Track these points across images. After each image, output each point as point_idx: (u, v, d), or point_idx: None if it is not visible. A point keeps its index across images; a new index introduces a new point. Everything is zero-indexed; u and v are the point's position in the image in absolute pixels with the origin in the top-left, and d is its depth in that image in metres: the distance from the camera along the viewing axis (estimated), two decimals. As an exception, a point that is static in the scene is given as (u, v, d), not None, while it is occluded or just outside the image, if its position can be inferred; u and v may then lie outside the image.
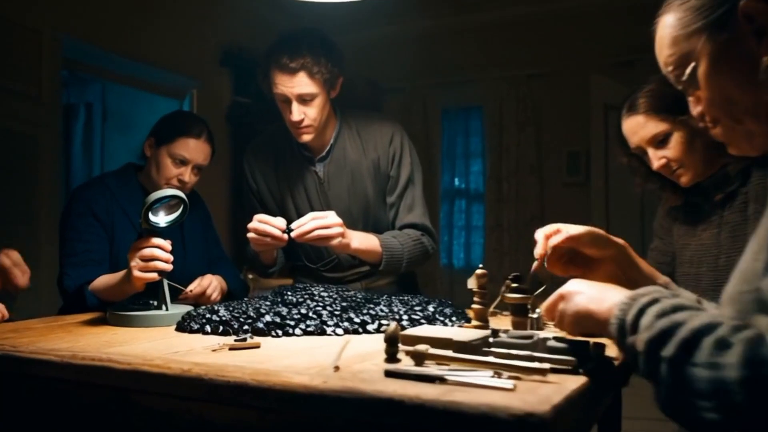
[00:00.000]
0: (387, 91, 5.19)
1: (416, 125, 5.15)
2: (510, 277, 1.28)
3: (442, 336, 1.10)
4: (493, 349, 1.00)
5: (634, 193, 4.14)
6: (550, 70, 4.86)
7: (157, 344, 1.33)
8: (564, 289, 1.08)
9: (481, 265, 1.49)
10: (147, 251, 1.66)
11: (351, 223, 2.13)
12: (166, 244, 1.69)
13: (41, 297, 2.78)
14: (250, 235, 1.88)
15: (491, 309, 1.95)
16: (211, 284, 2.01)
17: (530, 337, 1.02)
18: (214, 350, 1.21)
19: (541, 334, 1.37)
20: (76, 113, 4.89)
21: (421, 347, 0.98)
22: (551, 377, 0.90)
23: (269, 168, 2.22)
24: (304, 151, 2.18)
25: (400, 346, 1.07)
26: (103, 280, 1.87)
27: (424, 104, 5.26)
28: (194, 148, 2.09)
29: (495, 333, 1.08)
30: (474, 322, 1.49)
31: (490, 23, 5.00)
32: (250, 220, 1.91)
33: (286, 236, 1.85)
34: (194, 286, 1.98)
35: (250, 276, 3.22)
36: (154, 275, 1.66)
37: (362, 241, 2.01)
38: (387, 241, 2.07)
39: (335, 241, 1.88)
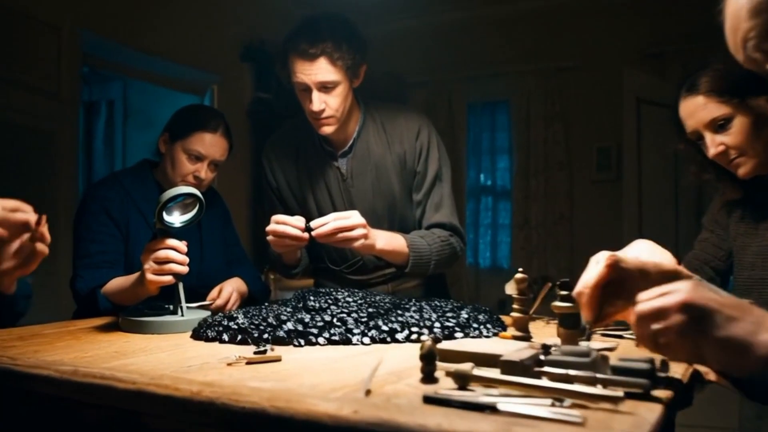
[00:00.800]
0: (411, 85, 5.07)
1: (441, 120, 5.02)
2: (558, 283, 1.15)
3: (485, 352, 0.97)
4: (547, 369, 0.87)
5: (668, 191, 4.00)
6: (579, 63, 4.70)
7: (170, 355, 1.22)
8: (677, 299, 0.83)
9: (520, 269, 1.36)
10: (161, 253, 1.55)
11: (375, 221, 2.01)
12: (182, 245, 1.58)
13: (60, 298, 2.70)
14: (269, 237, 1.77)
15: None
16: (231, 298, 1.91)
17: (587, 354, 0.89)
18: (230, 364, 1.10)
19: (592, 345, 1.25)
20: (97, 111, 4.85)
21: (465, 367, 0.86)
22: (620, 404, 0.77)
23: (289, 164, 2.10)
24: (326, 146, 2.06)
25: (438, 364, 0.95)
26: (116, 283, 1.78)
27: (449, 99, 5.12)
28: (210, 143, 1.98)
29: (546, 348, 0.95)
30: (512, 331, 1.37)
31: (517, 14, 4.86)
32: (270, 218, 1.80)
33: (306, 235, 1.74)
34: (214, 295, 1.88)
35: (272, 276, 3.12)
36: (169, 278, 1.56)
37: (388, 241, 1.89)
38: (414, 242, 1.95)
39: (358, 243, 1.76)
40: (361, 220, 1.75)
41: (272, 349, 1.19)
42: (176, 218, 1.60)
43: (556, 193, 4.77)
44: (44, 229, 1.24)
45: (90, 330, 1.56)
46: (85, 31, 3.49)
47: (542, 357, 0.92)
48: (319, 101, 1.87)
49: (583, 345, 1.01)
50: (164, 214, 1.56)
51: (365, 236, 1.76)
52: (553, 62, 4.77)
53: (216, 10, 4.35)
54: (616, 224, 4.38)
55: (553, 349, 0.96)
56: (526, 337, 1.34)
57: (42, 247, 1.23)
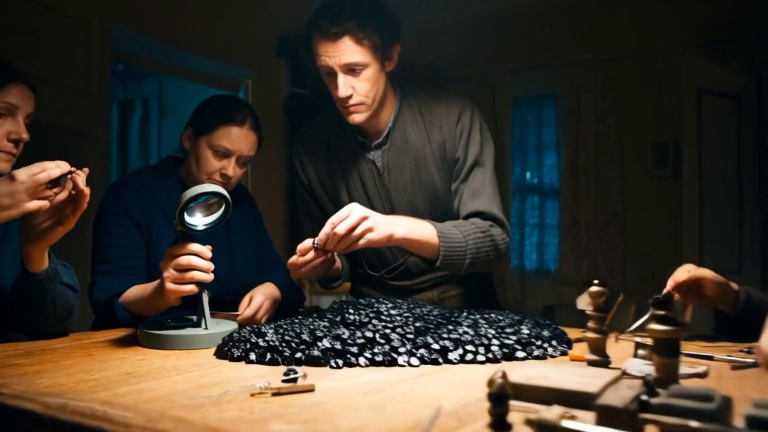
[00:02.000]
0: (453, 79, 4.85)
1: (485, 116, 4.72)
2: (652, 299, 0.94)
3: (572, 389, 0.77)
4: (658, 418, 0.66)
5: (731, 188, 3.71)
6: (632, 52, 4.40)
7: (186, 379, 1.05)
8: None
9: (596, 280, 1.15)
10: (183, 259, 1.38)
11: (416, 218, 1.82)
12: (205, 250, 1.41)
13: (84, 304, 2.56)
14: (291, 271, 1.61)
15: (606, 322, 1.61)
16: (262, 307, 1.72)
17: (709, 397, 0.68)
18: (253, 395, 0.92)
19: (681, 370, 1.04)
20: (132, 108, 4.77)
21: (551, 414, 0.66)
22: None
23: (320, 159, 1.91)
24: (359, 137, 1.86)
25: (512, 404, 0.75)
26: (135, 292, 1.62)
27: (493, 93, 4.88)
28: (238, 138, 1.80)
29: (650, 387, 0.75)
30: (587, 354, 1.16)
31: (563, 2, 4.59)
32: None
33: (321, 254, 1.56)
34: (245, 304, 1.70)
35: (307, 282, 2.95)
36: (191, 287, 1.39)
37: (411, 229, 1.63)
38: (445, 231, 1.69)
39: (371, 236, 1.54)
40: (360, 214, 1.53)
41: (304, 375, 1.00)
42: (199, 220, 1.43)
43: (607, 191, 4.50)
44: (77, 180, 1.30)
45: (104, 344, 1.40)
46: (117, 27, 3.37)
47: (646, 397, 0.72)
48: (345, 86, 1.67)
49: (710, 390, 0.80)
50: (185, 215, 1.39)
51: (369, 229, 1.53)
52: (603, 52, 4.48)
53: (251, 4, 4.21)
54: (673, 224, 4.10)
55: (661, 389, 0.75)
56: (604, 362, 1.14)
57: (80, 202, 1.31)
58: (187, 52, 3.85)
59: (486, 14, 4.74)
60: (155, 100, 4.73)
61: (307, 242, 1.56)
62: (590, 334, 1.14)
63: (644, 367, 1.08)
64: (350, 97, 1.69)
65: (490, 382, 0.76)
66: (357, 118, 1.74)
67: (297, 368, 1.01)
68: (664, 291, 1.45)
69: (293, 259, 1.57)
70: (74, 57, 3.17)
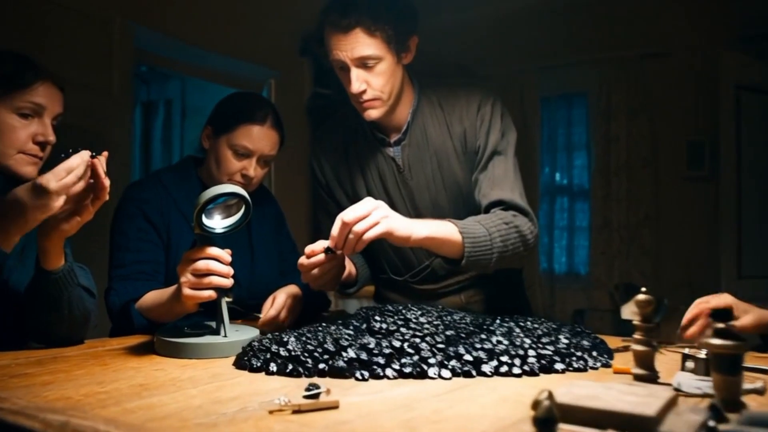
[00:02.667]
0: (479, 78, 4.75)
1: (513, 115, 4.65)
2: (711, 312, 0.85)
3: (628, 411, 0.68)
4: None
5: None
6: (666, 48, 4.24)
7: (202, 392, 0.98)
8: None
9: (644, 288, 1.06)
10: (200, 264, 1.31)
11: (441, 217, 1.73)
12: (225, 254, 1.34)
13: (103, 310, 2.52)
14: (302, 275, 1.53)
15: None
16: (285, 308, 1.65)
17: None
18: (272, 412, 0.84)
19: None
20: (155, 110, 4.75)
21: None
22: None
23: (338, 158, 1.84)
24: (377, 133, 1.78)
25: (560, 427, 0.67)
26: (152, 297, 1.56)
27: (521, 92, 4.76)
28: (258, 137, 1.74)
29: (717, 411, 0.66)
30: (633, 368, 1.06)
31: (594, -1, 4.46)
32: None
33: (337, 254, 1.48)
34: (268, 305, 1.63)
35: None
36: (209, 293, 1.32)
37: (433, 229, 1.52)
38: (468, 227, 1.57)
39: (389, 223, 1.44)
40: (369, 207, 1.43)
41: (327, 391, 0.92)
42: (218, 222, 1.36)
43: (640, 192, 4.35)
44: (96, 166, 1.23)
45: (120, 352, 1.34)
46: (139, 27, 3.33)
47: (713, 423, 0.63)
48: (358, 80, 1.60)
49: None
50: (203, 217, 1.32)
51: (385, 216, 1.43)
52: (636, 48, 4.33)
53: (274, 3, 4.15)
54: (709, 226, 3.96)
55: (728, 412, 0.66)
56: (652, 377, 1.04)
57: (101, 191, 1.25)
58: (209, 52, 3.81)
59: (513, 11, 4.63)
60: (178, 102, 4.71)
61: (318, 245, 1.49)
62: (637, 347, 1.05)
63: (698, 383, 0.99)
64: (364, 92, 1.62)
65: (536, 404, 0.67)
66: (373, 113, 1.66)
67: (319, 383, 0.94)
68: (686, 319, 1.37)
69: (302, 260, 1.50)
70: (96, 58, 3.14)
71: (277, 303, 1.63)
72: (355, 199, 1.81)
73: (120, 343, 1.45)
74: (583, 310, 4.48)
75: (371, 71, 1.61)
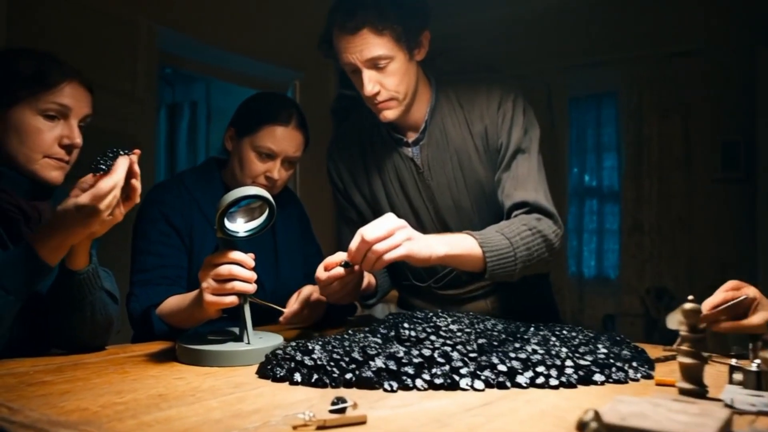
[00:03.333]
0: (506, 78, 4.68)
1: (540, 116, 4.58)
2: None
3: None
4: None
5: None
6: (699, 46, 4.12)
7: (223, 403, 0.93)
8: None
9: (690, 297, 0.99)
10: (223, 269, 1.27)
11: (464, 219, 1.66)
12: (248, 258, 1.29)
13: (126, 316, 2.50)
14: (320, 289, 1.49)
15: (675, 347, 1.44)
16: (311, 296, 1.60)
17: None
18: (296, 428, 0.79)
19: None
20: (180, 112, 4.75)
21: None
22: None
23: (355, 160, 1.80)
24: (394, 133, 1.73)
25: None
26: (172, 303, 1.51)
27: (549, 92, 4.68)
28: (283, 138, 1.69)
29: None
30: (680, 382, 1.00)
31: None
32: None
33: (352, 270, 1.43)
34: (292, 300, 1.59)
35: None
36: (232, 299, 1.28)
37: (451, 245, 1.45)
38: (488, 239, 1.50)
39: (412, 246, 1.38)
40: (397, 221, 1.38)
41: (354, 405, 0.87)
42: (241, 226, 1.31)
43: (672, 194, 4.24)
44: (134, 168, 1.21)
45: (141, 359, 1.30)
46: (163, 29, 3.32)
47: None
48: (371, 82, 1.55)
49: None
50: (226, 220, 1.28)
51: (409, 239, 1.38)
52: (668, 46, 4.22)
53: (298, 4, 4.11)
54: (744, 228, 3.84)
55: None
56: (700, 392, 0.97)
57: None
58: (234, 54, 3.79)
59: (540, 10, 4.55)
60: (203, 104, 4.70)
61: (336, 257, 1.44)
62: (685, 359, 0.98)
63: (751, 399, 0.92)
64: (378, 93, 1.56)
65: (582, 425, 0.62)
66: (389, 114, 1.61)
67: (346, 396, 0.88)
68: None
69: (320, 272, 1.45)
70: (121, 60, 3.13)
71: (302, 296, 1.59)
72: (373, 203, 1.76)
73: (141, 349, 1.41)
74: (613, 315, 4.38)
75: (383, 71, 1.56)
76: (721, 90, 4.04)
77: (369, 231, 1.36)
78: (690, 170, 4.21)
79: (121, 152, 1.20)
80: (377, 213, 1.67)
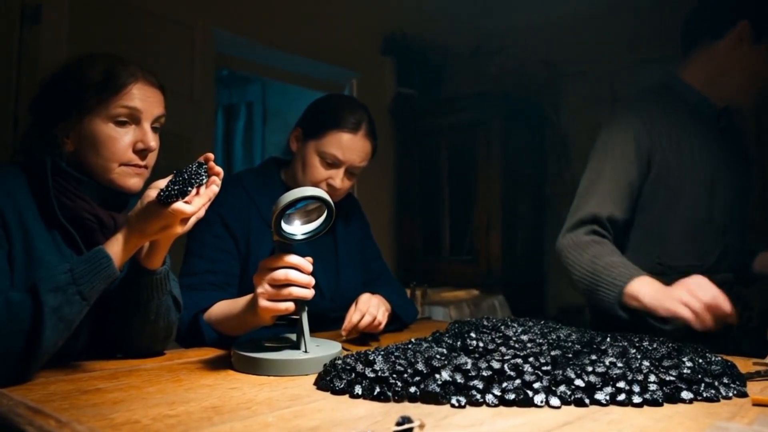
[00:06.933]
0: (567, 75, 4.54)
1: (602, 114, 4.43)
2: None
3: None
4: None
5: None
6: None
7: (279, 420, 0.88)
8: None
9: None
10: (279, 273, 1.21)
11: None
12: (305, 262, 1.23)
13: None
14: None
15: (765, 360, 1.32)
16: (369, 307, 1.53)
17: None
18: (360, 451, 0.73)
19: None
20: (237, 113, 4.77)
21: None
22: None
23: (670, 124, 1.76)
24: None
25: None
26: (222, 308, 1.45)
27: (612, 89, 4.50)
28: (349, 146, 1.62)
29: None
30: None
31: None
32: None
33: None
34: (349, 316, 1.53)
35: (418, 293, 2.74)
36: (288, 305, 1.22)
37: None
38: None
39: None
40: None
41: (421, 426, 0.80)
42: (298, 228, 1.25)
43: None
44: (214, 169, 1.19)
45: (196, 366, 1.26)
46: (218, 31, 3.31)
47: None
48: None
49: None
50: (283, 223, 1.22)
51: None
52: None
53: (354, 2, 4.07)
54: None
55: None
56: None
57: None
58: (289, 54, 3.76)
59: (600, 4, 4.38)
60: (258, 104, 4.70)
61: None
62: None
63: None
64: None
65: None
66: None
67: (411, 415, 0.81)
68: None
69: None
70: (178, 62, 3.14)
71: (361, 305, 1.53)
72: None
73: (198, 355, 1.37)
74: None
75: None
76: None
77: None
78: (763, 167, 3.98)
79: (202, 169, 1.16)
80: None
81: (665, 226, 1.70)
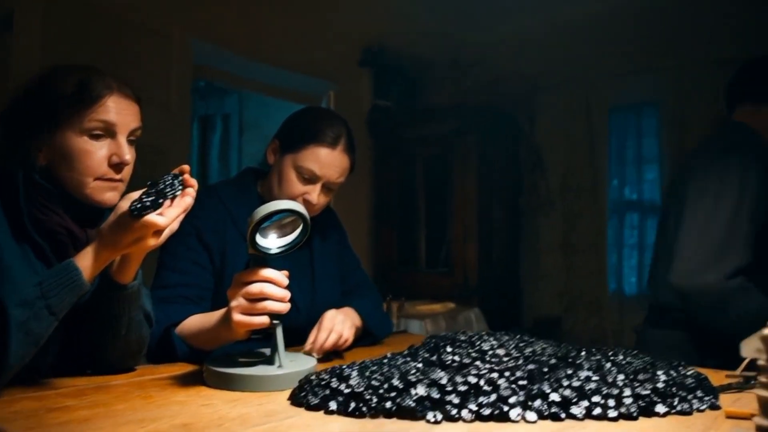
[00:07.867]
0: (542, 88, 4.58)
1: (578, 126, 4.48)
2: None
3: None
4: None
5: None
6: (750, 51, 3.93)
7: (253, 439, 0.86)
8: None
9: (774, 321, 0.89)
10: (254, 287, 1.19)
11: None
12: (281, 276, 1.22)
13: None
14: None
15: (738, 372, 1.33)
16: (335, 324, 1.49)
17: None
18: (334, 470, 0.71)
19: None
20: (213, 125, 4.74)
21: None
22: None
23: None
24: None
25: None
26: (195, 322, 1.42)
27: (587, 101, 4.55)
28: (327, 162, 1.59)
29: None
30: (757, 418, 0.89)
31: (663, 2, 4.20)
32: None
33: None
34: (313, 335, 1.48)
35: (395, 306, 2.73)
36: (263, 319, 1.20)
37: None
38: None
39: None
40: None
41: (397, 443, 0.79)
42: (273, 242, 1.24)
43: (717, 207, 4.07)
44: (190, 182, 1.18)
45: (167, 382, 1.23)
46: (196, 42, 3.29)
47: None
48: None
49: None
50: (258, 236, 1.21)
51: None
52: (715, 53, 4.04)
53: (331, 14, 4.07)
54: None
55: None
56: (784, 426, 0.87)
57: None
58: (266, 66, 3.75)
59: (576, 18, 4.43)
60: (235, 116, 4.67)
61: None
62: (764, 392, 0.88)
63: None
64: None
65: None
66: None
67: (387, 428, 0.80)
68: None
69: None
70: (155, 73, 3.11)
71: (326, 323, 1.48)
72: None
73: (167, 371, 1.34)
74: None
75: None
76: (769, 98, 3.87)
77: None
78: (737, 182, 4.04)
79: (177, 181, 1.15)
80: None
81: None
